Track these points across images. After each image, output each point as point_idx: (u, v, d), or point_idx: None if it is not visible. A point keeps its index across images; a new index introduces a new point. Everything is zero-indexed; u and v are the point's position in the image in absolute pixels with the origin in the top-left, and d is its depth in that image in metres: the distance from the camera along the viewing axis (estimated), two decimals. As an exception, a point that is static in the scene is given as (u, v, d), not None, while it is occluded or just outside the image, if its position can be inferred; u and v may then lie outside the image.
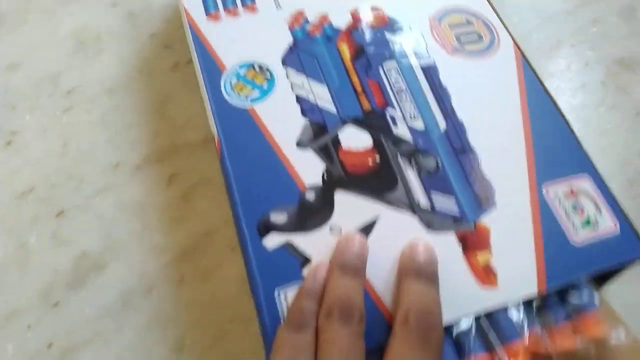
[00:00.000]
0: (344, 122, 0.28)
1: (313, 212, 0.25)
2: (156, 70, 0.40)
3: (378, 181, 0.26)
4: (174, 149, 0.36)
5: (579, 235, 0.25)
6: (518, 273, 0.24)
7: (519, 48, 0.31)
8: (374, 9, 0.32)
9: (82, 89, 0.39)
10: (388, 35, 0.31)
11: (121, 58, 0.41)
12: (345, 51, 0.30)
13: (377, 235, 0.24)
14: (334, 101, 0.28)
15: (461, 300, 0.23)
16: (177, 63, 0.40)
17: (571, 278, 0.24)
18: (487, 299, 0.23)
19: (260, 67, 0.29)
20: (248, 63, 0.29)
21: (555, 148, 0.27)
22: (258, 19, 0.31)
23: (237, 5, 0.32)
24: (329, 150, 0.27)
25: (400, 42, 0.30)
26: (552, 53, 0.43)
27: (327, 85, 0.29)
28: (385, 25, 0.31)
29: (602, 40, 0.44)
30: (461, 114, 0.28)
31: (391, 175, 0.26)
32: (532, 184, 0.26)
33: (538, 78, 0.30)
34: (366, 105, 0.28)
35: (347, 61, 0.30)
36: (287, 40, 0.30)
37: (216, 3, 0.32)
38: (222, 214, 0.33)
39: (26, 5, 0.43)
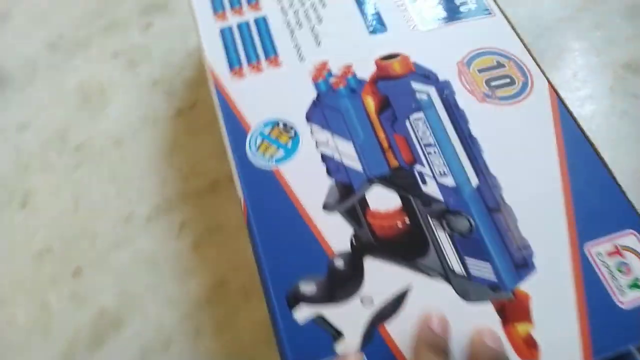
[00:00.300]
0: (370, 181, 0.27)
1: (343, 282, 0.24)
2: (160, 118, 0.40)
3: (409, 246, 0.25)
4: (182, 197, 0.36)
5: (626, 299, 0.23)
6: (561, 344, 0.22)
7: (555, 91, 0.29)
8: (399, 56, 0.31)
9: (90, 144, 0.39)
10: (414, 85, 0.29)
11: (126, 108, 0.41)
12: (370, 104, 0.29)
13: (411, 307, 0.23)
14: (359, 158, 0.27)
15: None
16: (180, 110, 0.40)
17: (620, 348, 0.23)
18: (529, 377, 0.22)
19: (285, 125, 0.28)
20: (272, 121, 0.29)
21: (598, 202, 0.25)
22: (282, 73, 0.30)
23: (260, 59, 0.31)
24: (356, 212, 0.26)
25: (427, 91, 0.29)
26: (556, 63, 0.41)
27: (353, 142, 0.28)
28: (411, 73, 0.30)
29: (607, 45, 0.42)
30: (494, 168, 0.26)
31: (422, 239, 0.25)
32: (573, 244, 0.24)
33: (577, 124, 0.28)
34: (393, 162, 0.27)
35: (372, 114, 0.29)
36: (311, 94, 0.29)
37: (239, 59, 0.31)
38: (232, 260, 0.34)
39: (33, 64, 0.44)
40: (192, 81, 0.42)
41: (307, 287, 0.24)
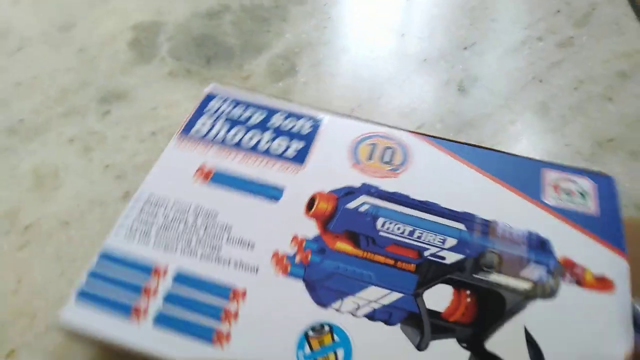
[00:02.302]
0: (416, 295, 0.27)
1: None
2: (108, 201, 0.42)
3: (492, 310, 0.27)
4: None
5: None
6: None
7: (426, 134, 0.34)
8: (315, 197, 0.31)
9: (39, 225, 0.41)
10: (350, 204, 0.31)
11: (77, 191, 0.43)
12: (344, 246, 0.29)
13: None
14: (391, 290, 0.27)
15: None
16: (128, 192, 0.42)
17: None
18: None
19: (314, 329, 0.27)
20: (302, 334, 0.27)
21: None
22: (250, 283, 0.28)
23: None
24: (440, 326, 0.26)
25: (363, 200, 0.31)
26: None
27: (372, 284, 0.28)
28: (338, 199, 0.32)
29: (522, 138, 0.47)
30: (457, 208, 0.30)
31: (493, 296, 0.27)
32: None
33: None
34: (410, 267, 0.28)
35: (356, 252, 0.29)
36: (296, 285, 0.28)
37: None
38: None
39: (-11, 146, 0.45)
40: (143, 165, 0.44)
41: None
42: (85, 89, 0.51)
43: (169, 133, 0.48)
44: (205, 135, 0.35)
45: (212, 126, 0.35)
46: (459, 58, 0.55)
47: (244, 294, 0.28)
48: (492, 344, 0.26)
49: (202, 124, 0.35)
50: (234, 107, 0.36)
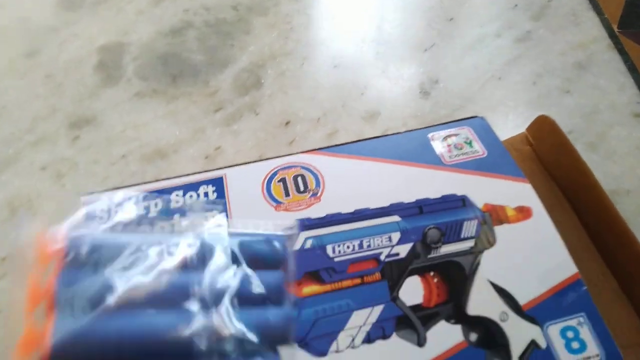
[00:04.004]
0: (394, 298, 0.29)
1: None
2: None
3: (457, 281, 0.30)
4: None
5: None
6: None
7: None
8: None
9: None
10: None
11: (50, 219, 0.42)
12: (311, 287, 0.29)
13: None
14: (370, 305, 0.28)
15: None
16: None
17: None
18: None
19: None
20: None
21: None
22: None
23: None
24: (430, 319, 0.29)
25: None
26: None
27: (350, 312, 0.28)
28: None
29: None
30: (378, 204, 0.32)
31: (455, 267, 0.30)
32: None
33: None
34: (376, 277, 0.30)
35: (322, 289, 0.29)
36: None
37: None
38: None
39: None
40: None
41: None
42: (54, 115, 0.52)
43: (139, 155, 0.49)
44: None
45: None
46: (420, 61, 0.57)
47: None
48: (472, 308, 0.28)
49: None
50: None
